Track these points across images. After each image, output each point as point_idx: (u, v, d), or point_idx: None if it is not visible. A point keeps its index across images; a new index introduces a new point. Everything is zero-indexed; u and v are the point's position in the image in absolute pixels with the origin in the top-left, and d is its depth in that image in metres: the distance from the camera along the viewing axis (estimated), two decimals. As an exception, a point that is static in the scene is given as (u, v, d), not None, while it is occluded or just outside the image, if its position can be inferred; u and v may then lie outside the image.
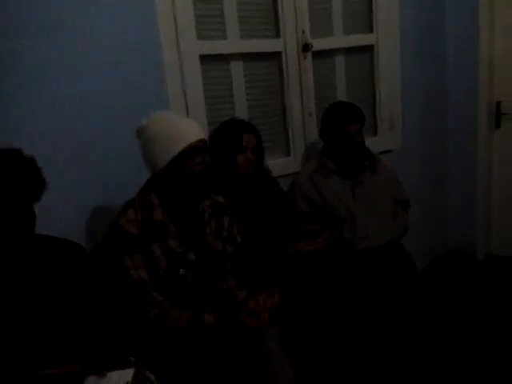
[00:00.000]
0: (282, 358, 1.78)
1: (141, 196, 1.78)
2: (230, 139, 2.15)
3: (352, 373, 2.16)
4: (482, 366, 2.44)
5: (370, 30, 3.01)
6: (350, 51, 2.97)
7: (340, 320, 2.15)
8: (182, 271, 1.76)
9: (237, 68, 2.54)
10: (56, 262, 1.54)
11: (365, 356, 2.21)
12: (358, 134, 2.45)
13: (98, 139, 2.01)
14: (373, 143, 2.78)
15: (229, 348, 1.72)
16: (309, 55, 2.71)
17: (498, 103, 3.43)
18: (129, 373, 1.42)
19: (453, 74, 3.49)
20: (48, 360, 1.41)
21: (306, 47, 2.67)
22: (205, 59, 2.36)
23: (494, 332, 2.69)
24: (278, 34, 2.61)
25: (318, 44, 2.74)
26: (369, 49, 3.04)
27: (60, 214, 1.87)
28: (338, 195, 2.47)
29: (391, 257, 2.46)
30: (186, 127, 1.73)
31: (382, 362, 2.25)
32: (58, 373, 1.38)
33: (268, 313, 1.70)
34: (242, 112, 2.54)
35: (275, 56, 2.64)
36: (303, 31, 2.65)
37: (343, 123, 2.43)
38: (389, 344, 2.27)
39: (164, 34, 2.17)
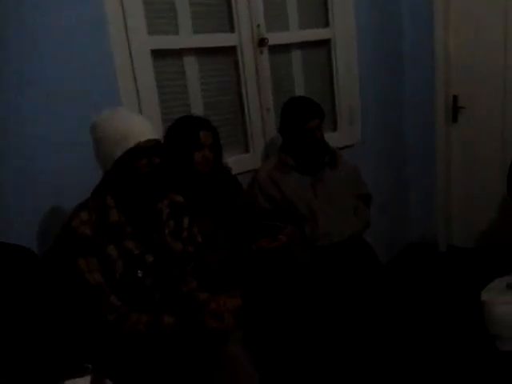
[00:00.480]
0: (246, 360, 1.73)
1: (94, 197, 1.70)
2: (186, 136, 2.08)
3: (318, 372, 2.12)
4: (446, 357, 2.44)
5: (326, 24, 2.98)
6: (306, 45, 2.94)
7: (304, 319, 2.11)
8: (140, 273, 1.68)
9: (191, 63, 2.46)
10: (4, 268, 1.45)
11: (330, 354, 2.17)
12: (317, 129, 2.41)
13: (46, 138, 1.91)
14: (333, 138, 2.76)
15: (191, 351, 1.66)
16: (265, 50, 2.66)
17: (455, 97, 3.46)
18: (86, 380, 1.37)
19: (410, 67, 3.51)
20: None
21: (261, 42, 2.62)
22: (157, 54, 2.28)
23: (458, 322, 2.71)
24: (232, 29, 2.55)
25: (274, 38, 2.70)
26: (325, 43, 3.02)
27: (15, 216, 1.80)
28: (298, 192, 2.42)
29: (354, 252, 2.44)
30: (131, 127, 1.64)
31: (347, 359, 2.22)
32: None
33: (231, 314, 1.64)
34: (197, 108, 2.47)
35: (230, 51, 2.58)
36: (258, 25, 2.60)
37: (302, 119, 2.38)
38: (354, 341, 2.24)
39: (113, 29, 2.07)
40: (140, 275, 1.68)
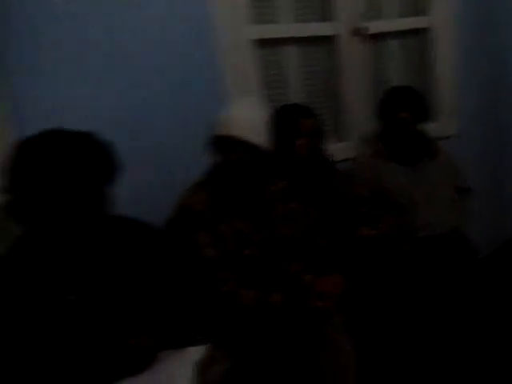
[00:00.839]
0: (347, 344, 1.76)
1: (210, 176, 1.80)
2: (287, 125, 2.11)
3: (411, 356, 2.12)
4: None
5: (425, 12, 2.91)
6: (404, 34, 2.89)
7: (401, 306, 2.09)
8: (248, 251, 1.75)
9: (291, 52, 2.50)
10: (128, 241, 1.54)
11: (425, 343, 2.14)
12: (411, 120, 2.36)
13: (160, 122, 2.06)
14: (430, 129, 2.69)
15: (295, 329, 1.70)
16: (363, 39, 2.64)
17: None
18: (199, 350, 1.45)
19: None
20: (122, 334, 1.42)
21: (359, 30, 2.61)
22: (258, 44, 2.33)
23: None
24: (331, 18, 2.56)
25: (372, 27, 2.67)
26: (424, 32, 2.95)
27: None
28: (397, 181, 2.39)
29: (452, 245, 2.37)
30: (228, 118, 1.73)
31: (444, 349, 2.18)
32: (135, 344, 1.40)
33: (335, 295, 1.66)
34: (296, 97, 2.50)
35: (329, 40, 2.59)
36: (356, 14, 2.59)
37: (392, 110, 2.35)
38: (451, 333, 2.20)
39: (217, 18, 2.15)
40: (248, 253, 1.74)
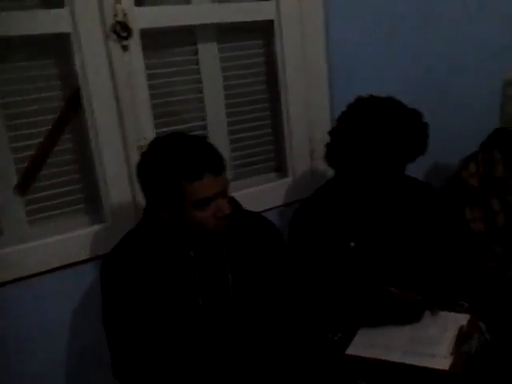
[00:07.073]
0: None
1: (483, 150, 1.83)
2: None
3: None
4: None
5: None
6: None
7: None
8: None
9: None
10: (414, 204, 1.68)
11: None
12: None
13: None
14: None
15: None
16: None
17: None
18: (463, 317, 1.45)
19: None
20: (391, 282, 1.54)
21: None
22: None
23: None
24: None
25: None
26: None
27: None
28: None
29: None
30: None
31: None
32: (400, 294, 1.49)
33: None
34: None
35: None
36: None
37: None
38: None
39: None
40: None
